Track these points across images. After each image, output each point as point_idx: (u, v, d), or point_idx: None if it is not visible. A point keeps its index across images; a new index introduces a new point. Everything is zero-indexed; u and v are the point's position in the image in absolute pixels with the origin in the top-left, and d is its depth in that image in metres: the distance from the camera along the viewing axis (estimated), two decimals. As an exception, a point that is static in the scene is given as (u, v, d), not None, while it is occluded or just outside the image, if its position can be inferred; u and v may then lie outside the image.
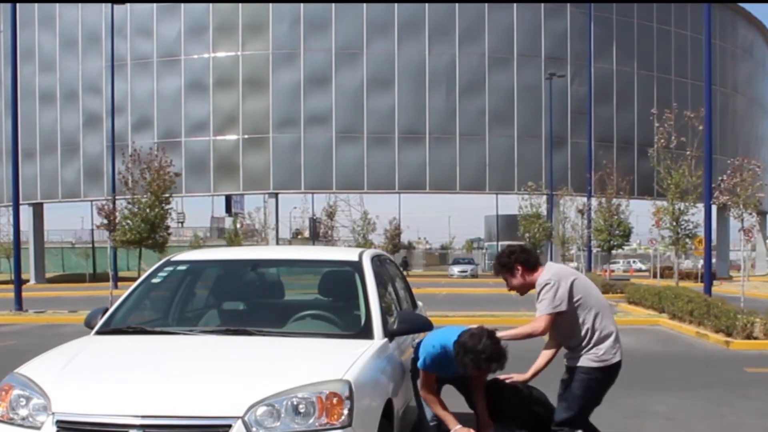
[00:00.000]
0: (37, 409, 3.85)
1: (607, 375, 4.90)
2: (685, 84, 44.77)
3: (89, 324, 5.07)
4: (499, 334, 4.74)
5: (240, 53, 41.77)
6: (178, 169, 27.80)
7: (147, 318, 5.52)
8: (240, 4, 41.37)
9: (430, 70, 41.58)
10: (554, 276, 4.84)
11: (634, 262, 63.53)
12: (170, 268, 5.75)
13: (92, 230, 51.72)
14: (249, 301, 5.74)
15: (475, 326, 4.77)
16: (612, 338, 4.89)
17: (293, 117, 41.35)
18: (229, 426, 3.65)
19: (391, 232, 44.68)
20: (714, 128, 20.30)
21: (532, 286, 4.98)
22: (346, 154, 41.25)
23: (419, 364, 4.89)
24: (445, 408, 4.93)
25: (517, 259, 4.97)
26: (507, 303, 19.73)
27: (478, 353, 4.58)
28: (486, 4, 41.91)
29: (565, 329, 4.89)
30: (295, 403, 3.78)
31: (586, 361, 4.85)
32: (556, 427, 4.92)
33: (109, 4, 34.81)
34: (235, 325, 4.98)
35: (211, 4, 41.60)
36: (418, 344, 5.12)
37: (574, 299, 4.82)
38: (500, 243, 58.49)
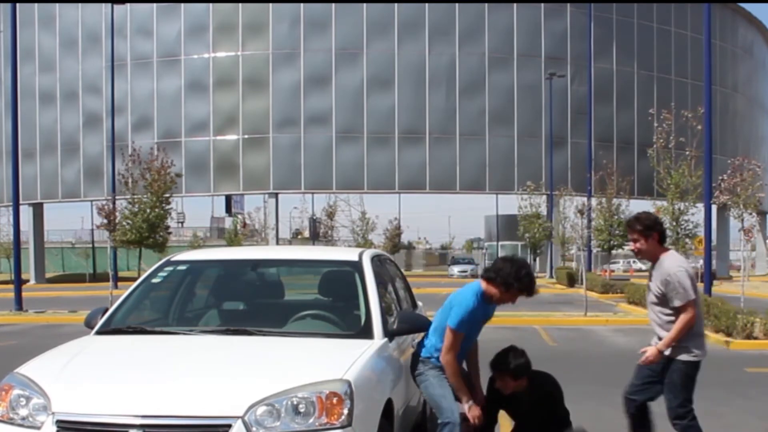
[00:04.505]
0: (37, 409, 3.85)
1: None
2: (685, 84, 44.75)
3: (89, 324, 5.08)
4: (659, 347, 5.13)
5: (240, 53, 41.75)
6: (178, 170, 27.81)
7: (147, 318, 5.52)
8: (240, 4, 41.34)
9: (430, 70, 41.56)
10: (685, 264, 5.23)
11: (634, 262, 63.34)
12: (170, 268, 5.75)
13: (92, 230, 51.70)
14: (249, 301, 5.74)
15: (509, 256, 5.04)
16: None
17: (293, 117, 41.33)
18: (229, 426, 3.65)
19: (391, 232, 44.60)
20: (714, 128, 20.29)
21: (655, 258, 5.27)
22: (346, 154, 41.22)
23: (453, 324, 4.85)
24: (462, 378, 4.97)
25: (659, 229, 5.31)
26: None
27: (517, 277, 4.81)
28: (486, 4, 41.86)
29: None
30: (295, 402, 3.78)
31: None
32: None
33: (109, 4, 34.78)
34: (235, 325, 4.98)
35: (211, 4, 41.56)
36: (419, 344, 5.12)
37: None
38: (500, 243, 58.58)
